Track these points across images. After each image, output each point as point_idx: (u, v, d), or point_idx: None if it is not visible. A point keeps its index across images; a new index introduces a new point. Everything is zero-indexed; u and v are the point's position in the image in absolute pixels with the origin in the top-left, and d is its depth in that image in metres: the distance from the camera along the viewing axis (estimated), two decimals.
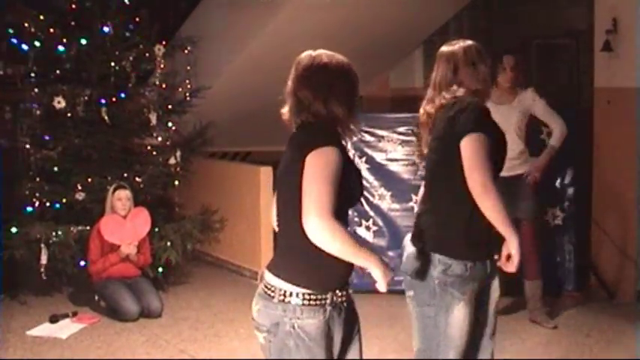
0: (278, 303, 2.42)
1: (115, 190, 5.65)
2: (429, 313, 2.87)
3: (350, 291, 2.57)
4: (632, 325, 5.09)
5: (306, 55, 2.53)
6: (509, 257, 2.84)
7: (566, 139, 5.02)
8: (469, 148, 2.75)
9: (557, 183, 5.76)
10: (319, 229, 2.28)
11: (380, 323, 5.01)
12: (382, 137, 5.89)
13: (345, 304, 2.51)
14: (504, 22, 7.14)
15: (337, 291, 2.47)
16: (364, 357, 2.64)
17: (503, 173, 3.02)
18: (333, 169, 2.34)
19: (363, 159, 5.90)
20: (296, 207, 2.34)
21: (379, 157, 5.93)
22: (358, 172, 2.59)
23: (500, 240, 2.87)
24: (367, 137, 5.90)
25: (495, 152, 2.82)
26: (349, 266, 2.48)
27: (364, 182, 5.61)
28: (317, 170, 2.33)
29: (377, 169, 5.91)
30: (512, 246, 2.80)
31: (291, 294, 2.41)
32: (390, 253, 5.76)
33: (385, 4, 6.56)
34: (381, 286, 2.41)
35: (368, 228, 5.94)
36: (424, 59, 7.80)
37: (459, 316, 2.83)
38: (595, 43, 5.64)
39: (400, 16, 6.77)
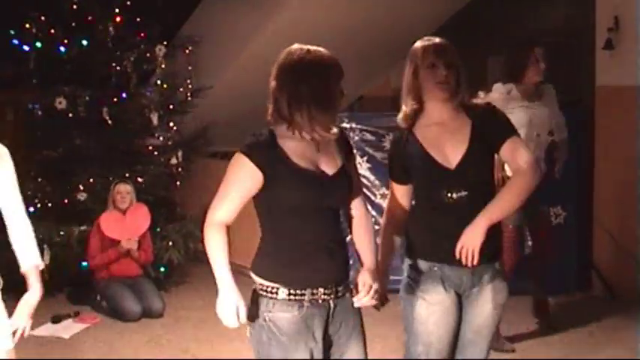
0: (257, 297, 2.49)
1: (116, 184, 5.70)
2: (403, 309, 2.89)
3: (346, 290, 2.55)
4: (634, 323, 5.08)
5: (285, 50, 2.48)
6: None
7: (568, 138, 4.98)
8: None
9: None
10: (205, 232, 2.48)
11: (382, 322, 4.99)
12: (383, 136, 5.88)
13: (333, 303, 2.49)
14: (504, 21, 7.12)
15: (320, 288, 2.45)
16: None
17: None
18: (236, 177, 2.44)
19: (365, 158, 5.89)
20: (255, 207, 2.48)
21: (380, 155, 5.92)
22: (306, 179, 2.44)
23: (497, 251, 2.85)
24: (368, 136, 5.89)
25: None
26: (334, 264, 2.47)
27: (365, 181, 5.74)
28: (227, 174, 2.46)
29: (378, 168, 5.90)
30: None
31: (267, 288, 2.47)
32: None
33: (385, 3, 6.55)
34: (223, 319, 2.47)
35: None
36: None
37: (420, 312, 2.81)
38: (596, 41, 5.64)
39: (401, 15, 6.76)
